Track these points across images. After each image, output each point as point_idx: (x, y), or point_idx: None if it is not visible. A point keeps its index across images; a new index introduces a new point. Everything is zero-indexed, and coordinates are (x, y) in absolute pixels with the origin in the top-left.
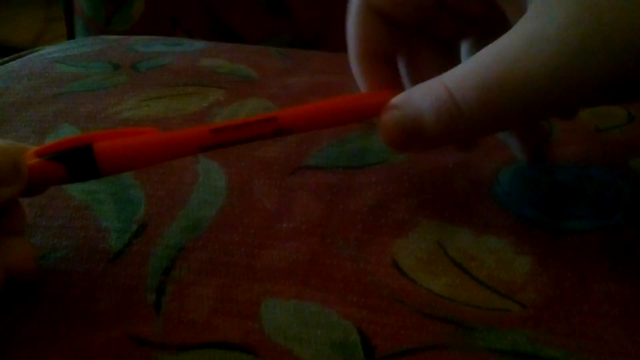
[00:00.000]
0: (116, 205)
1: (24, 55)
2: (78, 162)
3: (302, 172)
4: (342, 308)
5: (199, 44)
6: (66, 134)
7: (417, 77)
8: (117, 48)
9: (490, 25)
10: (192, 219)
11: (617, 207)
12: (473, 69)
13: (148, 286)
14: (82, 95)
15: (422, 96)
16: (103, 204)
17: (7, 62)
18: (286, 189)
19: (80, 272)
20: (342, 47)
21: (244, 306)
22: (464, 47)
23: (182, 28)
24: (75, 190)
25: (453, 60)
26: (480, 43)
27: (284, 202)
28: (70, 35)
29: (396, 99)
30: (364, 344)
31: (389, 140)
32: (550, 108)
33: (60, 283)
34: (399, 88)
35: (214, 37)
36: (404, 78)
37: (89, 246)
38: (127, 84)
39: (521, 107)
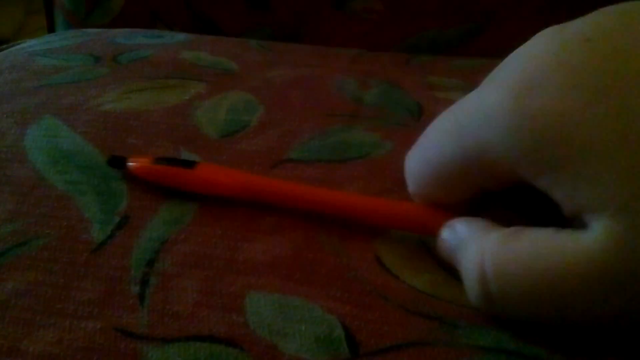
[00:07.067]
0: (98, 196)
1: (4, 49)
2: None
3: (284, 166)
4: (326, 303)
5: (180, 36)
6: (48, 125)
7: None
8: (98, 40)
9: None
10: (175, 212)
11: None
12: (518, 253)
13: (132, 278)
14: (64, 87)
15: (462, 249)
16: (85, 194)
17: None
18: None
19: (63, 262)
20: (322, 39)
21: (228, 299)
22: None
23: (162, 21)
24: (57, 180)
25: None
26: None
27: None
28: (51, 29)
29: (460, 222)
30: (348, 339)
31: (441, 256)
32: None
33: (43, 271)
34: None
35: (194, 30)
36: None
37: (71, 236)
38: (109, 76)
39: (563, 318)
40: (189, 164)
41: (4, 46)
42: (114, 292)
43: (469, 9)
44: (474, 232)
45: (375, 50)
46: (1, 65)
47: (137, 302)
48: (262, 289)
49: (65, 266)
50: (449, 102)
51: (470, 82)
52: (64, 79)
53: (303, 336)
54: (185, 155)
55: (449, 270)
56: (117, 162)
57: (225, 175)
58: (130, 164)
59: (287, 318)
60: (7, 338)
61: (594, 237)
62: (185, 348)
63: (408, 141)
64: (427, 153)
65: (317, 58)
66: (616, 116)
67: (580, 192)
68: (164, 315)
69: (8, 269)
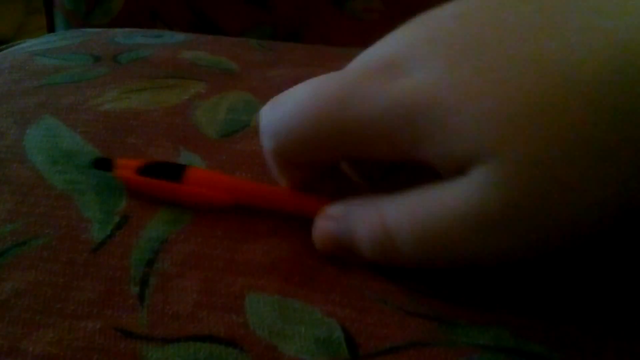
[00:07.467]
0: (98, 196)
1: (4, 49)
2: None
3: None
4: (325, 305)
5: (179, 36)
6: (48, 125)
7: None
8: (97, 40)
9: None
10: (175, 212)
11: None
12: (414, 213)
13: (132, 278)
14: (63, 87)
15: (358, 221)
16: (85, 194)
17: None
18: (268, 183)
19: (63, 261)
20: (323, 39)
21: (228, 299)
22: None
23: (162, 21)
24: (57, 180)
25: None
26: None
27: None
28: (51, 29)
29: (333, 209)
30: (347, 341)
31: (322, 248)
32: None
33: (42, 271)
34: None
35: (194, 30)
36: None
37: (71, 236)
38: (108, 75)
39: (457, 260)
40: (177, 173)
41: (4, 46)
42: (113, 292)
43: None
44: (360, 205)
45: None
46: (1, 65)
47: (136, 302)
48: (262, 290)
49: (64, 266)
50: None
51: None
52: (64, 79)
53: (303, 338)
54: (185, 155)
55: (449, 268)
56: (104, 164)
57: (213, 187)
58: (117, 169)
59: (287, 319)
60: (6, 338)
61: (467, 182)
62: (185, 348)
63: None
64: (299, 116)
65: (317, 58)
66: (477, 74)
67: (456, 149)
68: (164, 316)
69: (7, 268)
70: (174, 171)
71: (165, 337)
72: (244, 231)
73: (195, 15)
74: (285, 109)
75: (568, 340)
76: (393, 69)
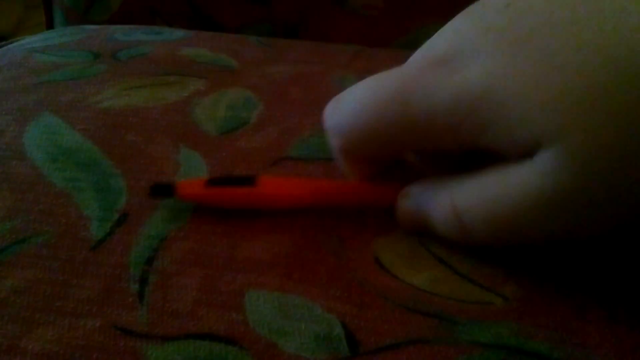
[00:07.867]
0: (97, 193)
1: (2, 46)
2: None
3: (284, 164)
4: (326, 302)
5: (179, 33)
6: (47, 122)
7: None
8: (97, 37)
9: None
10: (174, 209)
11: None
12: (482, 197)
13: (131, 275)
14: (63, 84)
15: (430, 202)
16: (84, 191)
17: None
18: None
19: (62, 259)
20: (322, 36)
21: (228, 297)
22: None
23: (161, 18)
24: (56, 177)
25: None
26: None
27: None
28: (50, 25)
29: (411, 188)
30: (348, 338)
31: (401, 224)
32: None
33: (42, 269)
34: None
35: (193, 27)
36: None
37: (70, 233)
38: (108, 72)
39: (524, 239)
40: (249, 181)
41: (3, 43)
42: (113, 290)
43: (469, 4)
44: (433, 186)
45: (375, 46)
46: (0, 62)
47: (136, 300)
48: (262, 287)
49: (64, 263)
50: None
51: None
52: (63, 76)
53: (303, 335)
54: (185, 152)
55: (449, 266)
56: (163, 190)
57: (292, 187)
58: (180, 189)
59: (286, 316)
60: (6, 336)
61: (534, 166)
62: (185, 346)
63: None
64: (364, 113)
65: (317, 54)
66: (535, 62)
67: (521, 135)
68: (163, 314)
69: (7, 266)
70: (242, 181)
71: (165, 335)
72: (243, 228)
73: (194, 12)
74: (349, 108)
75: (569, 339)
76: (451, 61)
